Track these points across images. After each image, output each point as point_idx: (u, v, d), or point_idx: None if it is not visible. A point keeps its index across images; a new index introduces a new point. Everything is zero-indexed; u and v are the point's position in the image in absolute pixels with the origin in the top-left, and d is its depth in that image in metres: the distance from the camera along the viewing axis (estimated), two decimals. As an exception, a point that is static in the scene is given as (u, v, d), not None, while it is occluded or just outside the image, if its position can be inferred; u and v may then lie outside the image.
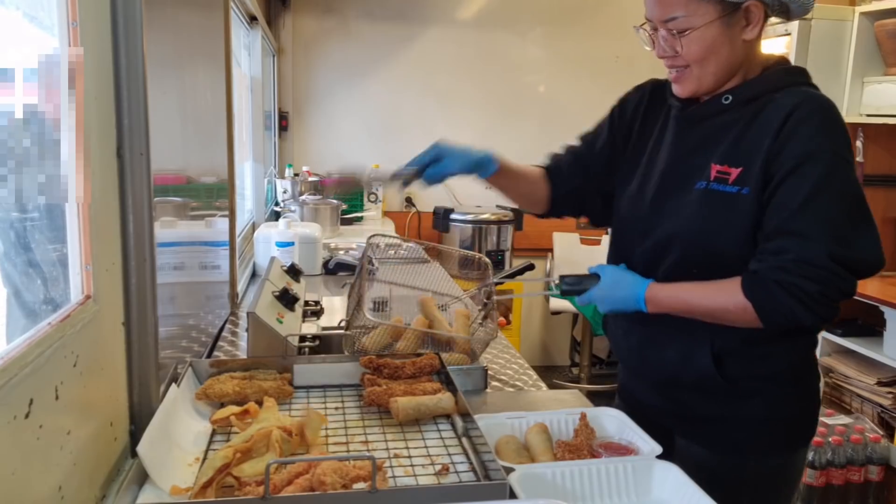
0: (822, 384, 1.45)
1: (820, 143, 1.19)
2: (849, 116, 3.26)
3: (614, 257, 1.48)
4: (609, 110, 1.56)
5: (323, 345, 1.72)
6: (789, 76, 1.29)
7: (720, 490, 1.20)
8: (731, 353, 1.30)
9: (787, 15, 1.30)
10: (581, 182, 1.55)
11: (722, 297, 1.23)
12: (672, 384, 1.40)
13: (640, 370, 1.48)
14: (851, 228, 1.19)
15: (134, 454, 1.08)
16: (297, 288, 1.94)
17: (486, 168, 1.48)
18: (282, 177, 4.04)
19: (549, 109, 4.67)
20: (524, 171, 1.57)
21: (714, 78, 1.28)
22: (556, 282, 1.43)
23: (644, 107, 1.46)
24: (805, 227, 1.17)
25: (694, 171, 1.30)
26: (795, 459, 1.40)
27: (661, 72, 1.41)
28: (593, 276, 1.39)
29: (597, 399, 1.49)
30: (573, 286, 1.41)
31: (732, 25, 1.23)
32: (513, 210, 4.41)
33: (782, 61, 1.32)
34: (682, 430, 1.42)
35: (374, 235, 1.73)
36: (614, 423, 1.28)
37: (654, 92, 1.46)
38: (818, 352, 3.29)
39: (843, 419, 2.90)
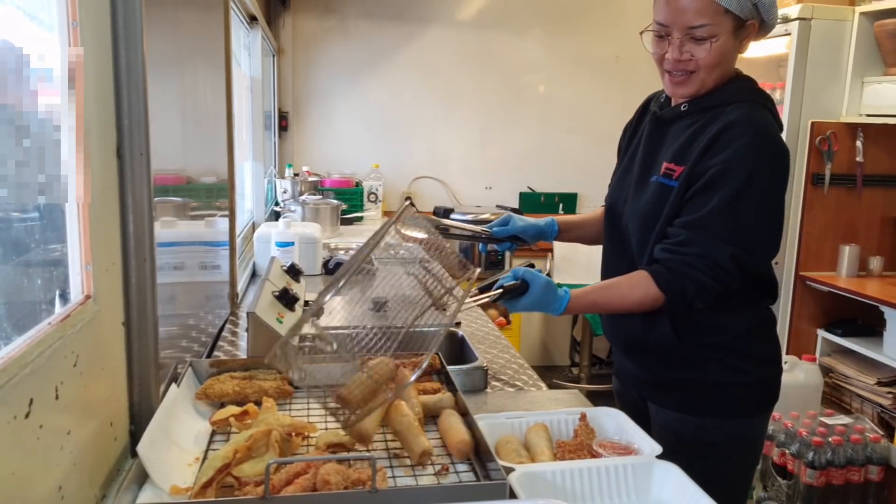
0: (784, 362, 1.58)
1: (743, 157, 1.33)
2: (849, 116, 3.26)
3: (606, 239, 1.65)
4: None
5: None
6: (742, 93, 1.43)
7: (685, 450, 1.35)
8: (686, 323, 1.45)
9: (762, 33, 1.45)
10: None
11: (637, 293, 1.40)
12: (638, 350, 1.55)
13: (615, 340, 1.64)
14: (756, 236, 1.35)
15: (134, 454, 1.08)
16: (297, 288, 1.94)
17: (548, 233, 1.74)
18: (282, 177, 4.04)
19: (548, 109, 4.66)
20: (587, 219, 1.80)
21: (714, 82, 1.41)
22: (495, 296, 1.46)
23: (634, 122, 1.65)
24: (716, 226, 1.33)
25: (653, 165, 1.48)
26: (754, 426, 1.51)
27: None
28: (522, 284, 1.43)
29: (597, 399, 1.50)
30: (509, 299, 1.44)
31: (738, 38, 1.39)
32: (512, 210, 4.41)
33: (746, 78, 1.47)
34: (651, 395, 1.56)
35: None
36: (614, 423, 1.28)
37: (644, 107, 1.63)
38: (817, 351, 3.32)
39: (843, 419, 2.89)
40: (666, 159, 1.44)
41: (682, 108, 1.46)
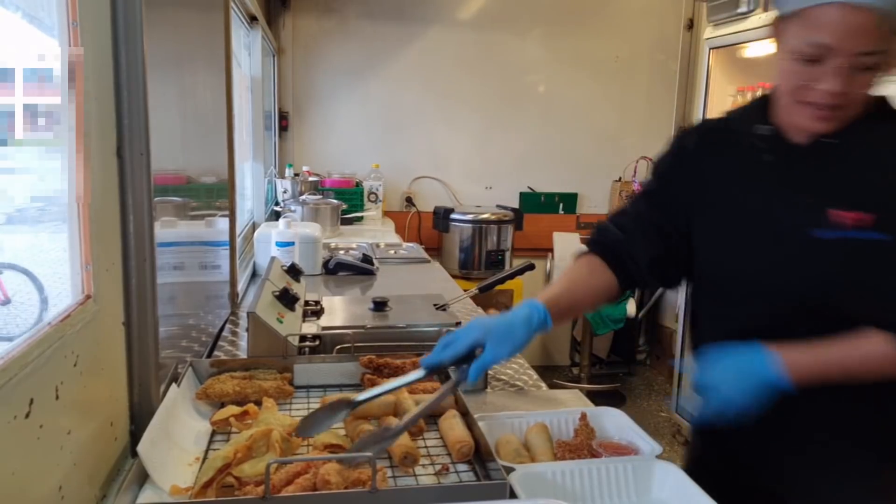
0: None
1: None
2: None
3: (710, 324, 1.29)
4: (655, 166, 1.38)
5: (323, 345, 1.72)
6: (884, 106, 1.15)
7: None
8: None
9: None
10: (663, 251, 1.30)
11: (878, 348, 1.06)
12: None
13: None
14: None
15: (134, 454, 1.08)
16: (298, 288, 1.94)
17: (542, 330, 1.19)
18: (282, 177, 4.04)
19: (548, 109, 4.66)
20: (579, 289, 1.33)
21: (853, 116, 1.12)
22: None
23: (708, 151, 1.28)
24: None
25: (806, 214, 1.12)
26: None
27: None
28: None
29: (597, 399, 1.50)
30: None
31: None
32: (513, 210, 4.41)
33: (879, 97, 1.16)
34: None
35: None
36: (614, 423, 1.28)
37: (709, 133, 1.30)
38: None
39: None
40: (831, 206, 1.10)
41: (834, 141, 1.12)
